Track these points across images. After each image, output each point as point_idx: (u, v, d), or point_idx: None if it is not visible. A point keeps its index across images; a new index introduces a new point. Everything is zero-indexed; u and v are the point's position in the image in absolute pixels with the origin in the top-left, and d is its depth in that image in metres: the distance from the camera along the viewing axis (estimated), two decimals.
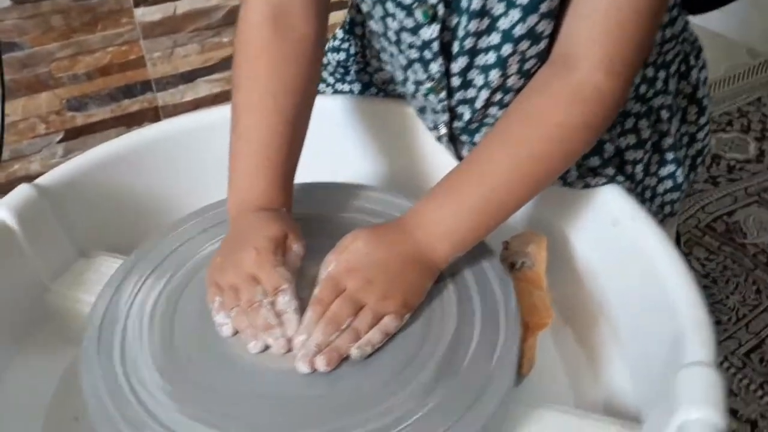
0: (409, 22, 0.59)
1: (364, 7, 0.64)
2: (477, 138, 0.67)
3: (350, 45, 0.77)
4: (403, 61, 0.62)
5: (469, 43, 0.58)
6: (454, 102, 0.63)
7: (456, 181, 0.56)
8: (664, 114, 0.66)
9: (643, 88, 0.64)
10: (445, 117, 0.64)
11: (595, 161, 0.64)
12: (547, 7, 0.54)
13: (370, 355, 0.50)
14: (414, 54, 0.60)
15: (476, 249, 0.58)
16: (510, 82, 0.59)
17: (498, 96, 0.61)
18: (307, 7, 0.62)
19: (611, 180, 0.64)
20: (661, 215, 0.71)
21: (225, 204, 0.64)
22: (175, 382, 0.49)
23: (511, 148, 0.54)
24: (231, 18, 1.31)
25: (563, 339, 0.69)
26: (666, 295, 0.55)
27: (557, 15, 0.55)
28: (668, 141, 0.67)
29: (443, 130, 0.66)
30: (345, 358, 0.50)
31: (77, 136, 1.29)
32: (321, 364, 0.48)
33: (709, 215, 1.71)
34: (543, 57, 0.57)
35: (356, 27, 0.75)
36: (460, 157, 0.70)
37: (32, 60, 1.16)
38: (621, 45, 0.52)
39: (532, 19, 0.55)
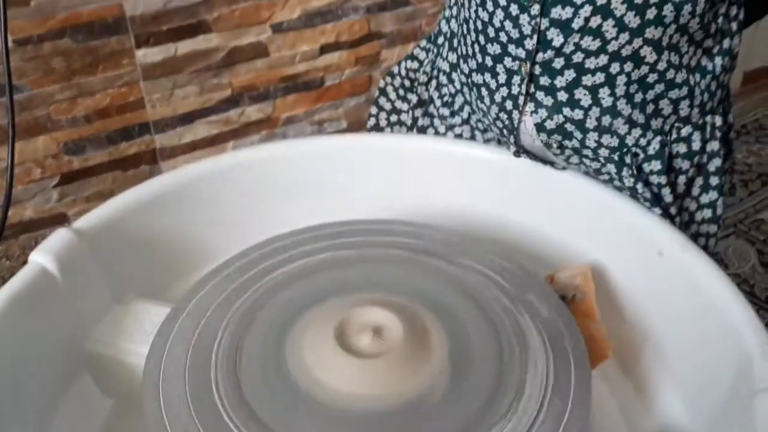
0: (515, 34, 0.61)
1: None
2: (558, 81, 0.64)
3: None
4: (503, 79, 0.63)
5: (578, 60, 0.60)
6: (545, 23, 0.61)
7: None
8: (717, 133, 0.68)
9: (705, 97, 0.66)
10: (533, 42, 0.62)
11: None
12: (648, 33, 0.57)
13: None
14: (515, 64, 0.61)
15: (525, 280, 0.59)
16: (614, 2, 0.59)
17: (597, 20, 0.60)
18: None
19: (656, 200, 0.66)
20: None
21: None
22: None
23: None
24: (231, 59, 1.31)
25: (608, 370, 0.70)
26: (727, 323, 0.56)
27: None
28: (716, 163, 0.68)
29: (524, 68, 0.65)
30: None
31: (72, 180, 1.26)
32: None
33: None
34: (640, 79, 0.60)
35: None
36: (518, 145, 0.70)
37: (31, 103, 1.14)
38: None
39: (637, 42, 0.58)
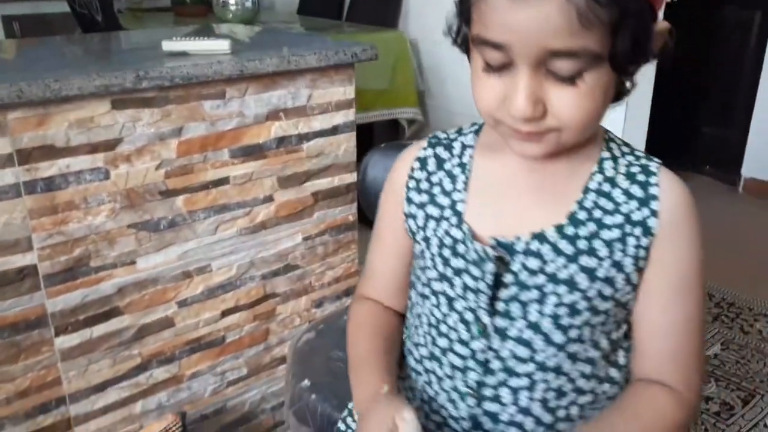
0: (465, 335, 0.77)
1: (420, 337, 0.83)
2: None
3: None
4: (448, 371, 0.79)
5: (510, 364, 0.75)
6: (480, 412, 0.77)
7: None
8: None
9: None
10: (469, 424, 0.78)
11: None
12: (570, 348, 0.73)
13: None
14: (459, 362, 0.78)
15: None
16: (533, 406, 0.75)
17: (519, 417, 0.76)
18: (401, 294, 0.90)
19: None
20: None
21: None
22: None
23: None
24: (140, 334, 1.51)
25: None
26: None
27: (574, 355, 0.74)
28: None
29: None
30: None
31: None
32: None
33: None
34: (558, 388, 0.75)
35: None
36: None
37: None
38: (696, 357, 0.72)
39: (561, 356, 0.74)
